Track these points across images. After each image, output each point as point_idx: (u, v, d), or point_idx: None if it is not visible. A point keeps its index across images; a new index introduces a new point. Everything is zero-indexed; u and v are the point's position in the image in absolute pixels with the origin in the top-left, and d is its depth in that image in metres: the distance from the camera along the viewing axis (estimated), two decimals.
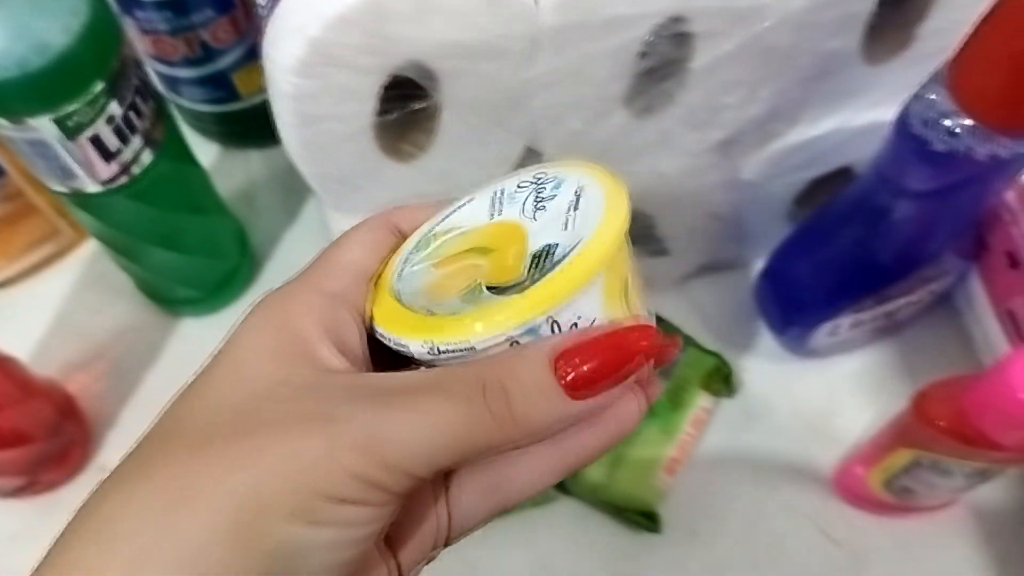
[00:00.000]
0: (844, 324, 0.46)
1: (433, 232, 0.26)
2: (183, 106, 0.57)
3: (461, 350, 0.21)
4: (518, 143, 0.39)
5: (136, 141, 0.41)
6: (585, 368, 0.21)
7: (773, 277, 0.48)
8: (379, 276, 0.25)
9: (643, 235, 0.48)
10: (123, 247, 0.48)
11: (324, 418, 0.20)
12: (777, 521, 0.49)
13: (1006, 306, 0.46)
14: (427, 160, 0.39)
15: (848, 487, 0.48)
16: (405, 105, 0.36)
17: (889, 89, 0.40)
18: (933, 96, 0.35)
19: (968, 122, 0.34)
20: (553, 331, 0.21)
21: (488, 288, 0.22)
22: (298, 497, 0.19)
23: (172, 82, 0.55)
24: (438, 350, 0.22)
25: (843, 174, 0.47)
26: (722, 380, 0.50)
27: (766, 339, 0.52)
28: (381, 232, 0.26)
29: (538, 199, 0.25)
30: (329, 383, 0.21)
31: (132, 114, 0.40)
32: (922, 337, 0.52)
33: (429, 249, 0.26)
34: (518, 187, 0.25)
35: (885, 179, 0.39)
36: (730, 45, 0.36)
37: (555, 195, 0.24)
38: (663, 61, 0.36)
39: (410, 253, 0.26)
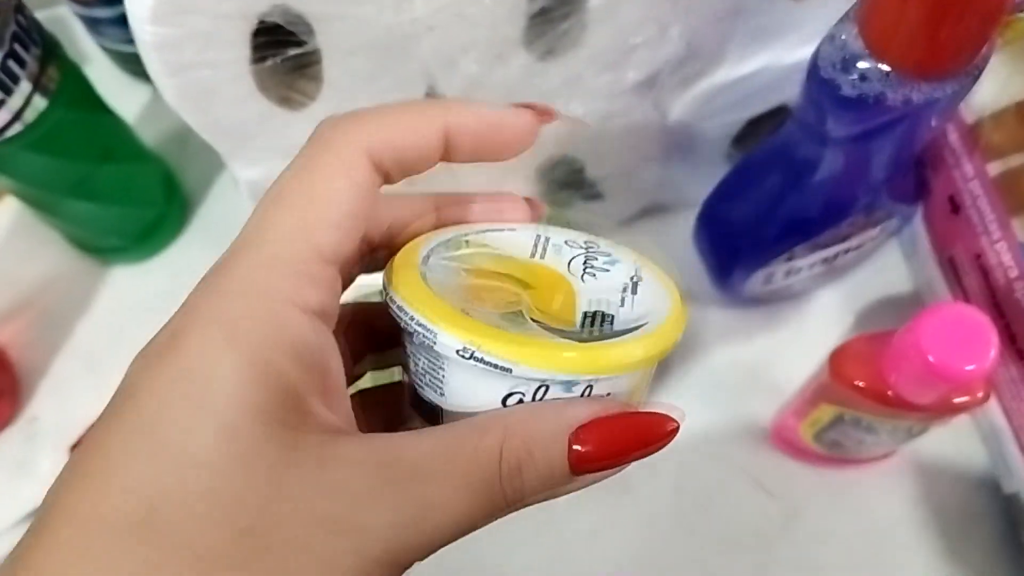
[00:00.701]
0: (779, 272, 0.44)
1: (466, 238, 0.25)
2: (108, 48, 0.55)
3: (498, 366, 0.20)
4: (414, 89, 0.37)
5: (24, 87, 0.39)
6: (596, 447, 0.19)
7: (707, 222, 0.46)
8: (406, 244, 0.24)
9: (574, 180, 0.46)
10: (35, 200, 0.46)
11: (351, 529, 0.17)
12: (711, 471, 0.48)
13: (947, 253, 0.44)
14: (318, 108, 0.37)
15: (784, 438, 0.47)
16: (281, 52, 0.34)
17: (818, 26, 0.37)
18: (844, 37, 0.33)
19: (879, 65, 0.32)
20: (583, 394, 0.21)
21: (533, 320, 0.21)
22: None
23: (93, 23, 0.53)
24: (473, 355, 0.20)
25: (780, 113, 0.45)
26: None
27: (708, 285, 0.50)
28: (360, 172, 0.20)
29: (587, 265, 0.25)
30: (336, 463, 0.18)
31: (11, 61, 0.38)
32: (869, 283, 0.50)
33: (460, 252, 0.24)
34: (566, 243, 0.25)
35: (804, 124, 0.37)
36: None
37: (608, 270, 0.24)
38: (557, 1, 0.34)
39: (437, 245, 0.24)
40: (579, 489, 0.21)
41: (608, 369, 0.20)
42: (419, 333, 0.20)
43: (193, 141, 0.56)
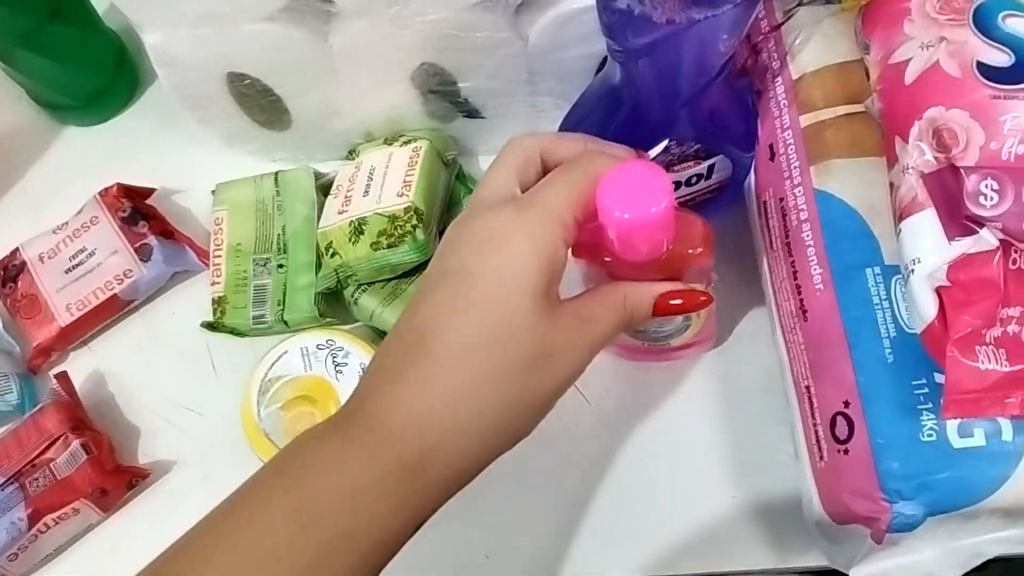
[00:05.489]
0: None
1: (268, 378, 0.49)
2: None
3: None
4: None
5: None
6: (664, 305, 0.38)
7: None
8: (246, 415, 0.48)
9: (449, 93, 0.52)
10: None
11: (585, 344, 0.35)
12: None
13: (763, 197, 0.48)
14: None
15: None
16: None
17: None
18: None
19: None
20: None
21: None
22: None
23: None
24: None
25: None
26: None
27: None
28: (524, 155, 0.37)
29: (336, 363, 0.49)
30: (568, 314, 0.35)
31: None
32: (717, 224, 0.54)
33: (270, 393, 0.49)
34: (317, 347, 0.49)
35: (607, 46, 0.41)
36: None
37: (347, 363, 0.49)
38: None
39: (259, 396, 0.49)
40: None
41: None
42: None
43: None
